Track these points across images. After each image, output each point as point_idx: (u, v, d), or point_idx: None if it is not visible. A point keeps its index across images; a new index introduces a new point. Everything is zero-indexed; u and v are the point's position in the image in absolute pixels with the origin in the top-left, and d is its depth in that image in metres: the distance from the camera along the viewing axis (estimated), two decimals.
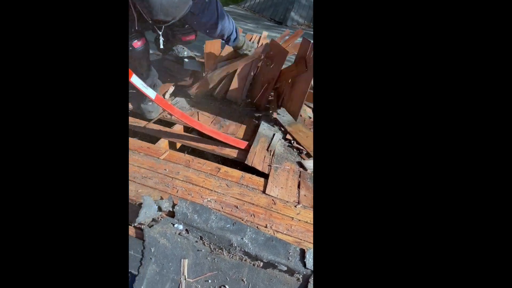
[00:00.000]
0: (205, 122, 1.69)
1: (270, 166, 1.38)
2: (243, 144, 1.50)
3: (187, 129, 1.72)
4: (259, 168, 1.35)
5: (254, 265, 1.00)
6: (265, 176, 1.33)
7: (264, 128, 1.63)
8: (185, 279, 0.99)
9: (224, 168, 1.36)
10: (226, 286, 0.97)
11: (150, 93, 1.42)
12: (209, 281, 0.99)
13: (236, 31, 1.58)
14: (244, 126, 1.69)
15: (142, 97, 1.62)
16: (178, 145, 1.67)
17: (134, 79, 1.37)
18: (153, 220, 1.08)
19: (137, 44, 1.42)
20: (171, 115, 1.69)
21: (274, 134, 1.59)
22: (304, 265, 0.95)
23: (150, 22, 1.16)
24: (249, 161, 1.36)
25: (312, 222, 1.14)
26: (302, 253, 0.98)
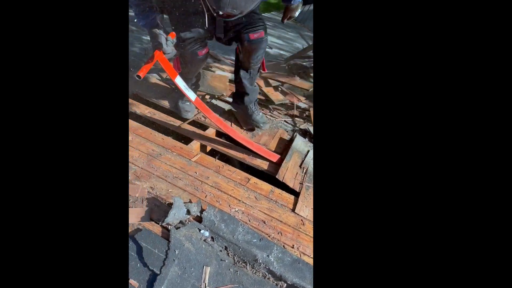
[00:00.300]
0: (238, 129, 1.69)
1: (302, 184, 1.35)
2: (274, 157, 1.48)
3: (219, 134, 1.72)
4: (290, 184, 1.32)
5: (277, 285, 0.97)
6: (296, 194, 1.30)
7: (299, 142, 1.61)
8: (205, 286, 0.97)
9: (254, 179, 1.34)
10: None
11: (191, 95, 1.44)
12: None
13: None
14: (277, 138, 1.67)
15: (181, 95, 1.64)
16: (209, 148, 1.68)
17: (178, 80, 1.39)
18: (181, 222, 1.07)
19: (201, 52, 1.44)
20: (205, 117, 1.71)
21: (308, 151, 1.56)
22: None
23: (215, 16, 1.07)
24: (280, 176, 1.34)
25: None
26: None
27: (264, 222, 1.13)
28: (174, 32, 1.36)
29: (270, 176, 1.43)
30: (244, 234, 1.03)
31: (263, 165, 1.46)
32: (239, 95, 1.67)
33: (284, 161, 1.43)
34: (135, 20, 1.28)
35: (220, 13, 1.01)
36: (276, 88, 2.19)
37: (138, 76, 1.25)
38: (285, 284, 0.96)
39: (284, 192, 1.31)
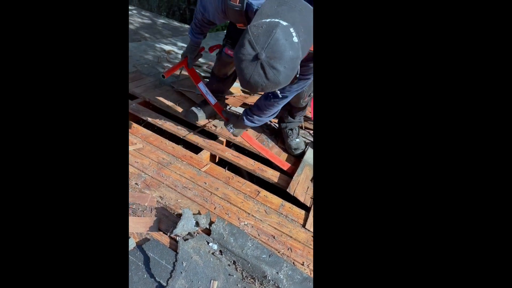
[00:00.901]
0: (248, 139, 1.68)
1: (313, 199, 1.32)
2: (286, 166, 1.47)
3: (229, 144, 1.71)
4: (301, 199, 1.30)
5: None
6: (307, 208, 1.28)
7: (310, 156, 1.59)
8: None
9: (264, 192, 1.32)
10: None
11: (211, 98, 1.49)
12: None
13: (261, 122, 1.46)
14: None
15: (193, 103, 1.68)
16: (218, 158, 1.67)
17: (201, 85, 1.47)
18: (189, 234, 1.06)
19: (227, 51, 1.50)
20: (216, 127, 1.71)
21: None
22: None
23: None
24: (291, 190, 1.32)
25: None
26: None
27: (274, 237, 1.11)
28: (203, 47, 1.60)
29: (280, 190, 1.41)
30: (253, 249, 1.01)
31: (274, 178, 1.44)
32: (281, 119, 1.71)
33: (296, 175, 1.41)
34: (188, 33, 1.58)
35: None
36: None
37: (163, 75, 1.50)
38: None
39: (294, 206, 1.28)
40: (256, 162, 1.53)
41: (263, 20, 0.83)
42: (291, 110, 1.65)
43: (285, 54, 0.81)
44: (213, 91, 1.70)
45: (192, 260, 1.00)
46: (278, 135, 1.75)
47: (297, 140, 1.67)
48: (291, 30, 0.83)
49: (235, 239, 1.03)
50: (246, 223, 1.14)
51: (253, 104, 1.46)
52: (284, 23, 0.82)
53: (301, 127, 1.90)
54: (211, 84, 1.73)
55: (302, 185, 1.38)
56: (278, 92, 1.17)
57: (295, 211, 1.26)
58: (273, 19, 0.83)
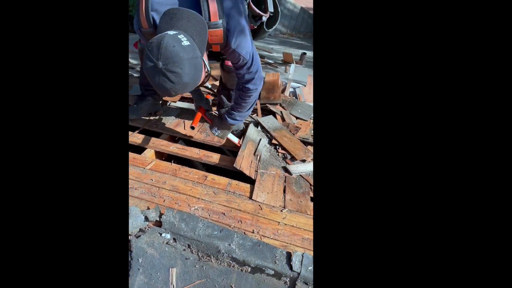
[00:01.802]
0: (191, 130, 1.70)
1: (257, 171, 1.40)
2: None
3: (173, 138, 1.73)
4: (247, 172, 1.37)
5: (242, 270, 1.02)
6: (252, 181, 1.35)
7: (252, 132, 1.66)
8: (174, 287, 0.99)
9: (211, 176, 1.37)
10: None
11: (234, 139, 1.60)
12: None
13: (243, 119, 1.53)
14: None
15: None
16: (165, 155, 1.68)
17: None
18: (140, 230, 1.08)
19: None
20: (157, 125, 1.70)
21: (260, 139, 1.61)
22: (291, 268, 0.97)
23: None
24: (237, 164, 1.38)
25: (298, 226, 1.16)
26: (289, 256, 1.00)
27: (224, 214, 1.17)
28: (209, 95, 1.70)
29: (227, 171, 1.47)
30: (204, 229, 1.06)
31: (219, 161, 1.49)
32: (219, 105, 1.80)
33: (240, 150, 1.48)
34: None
35: None
36: None
37: (192, 127, 1.55)
38: (250, 268, 1.01)
39: (240, 182, 1.35)
40: (202, 150, 1.57)
41: (153, 38, 0.94)
42: (228, 94, 1.70)
43: (177, 57, 0.90)
44: (147, 85, 1.69)
45: (148, 254, 1.03)
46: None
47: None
48: (180, 36, 0.93)
49: (186, 224, 1.08)
50: (196, 207, 1.19)
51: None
52: (171, 33, 0.93)
53: None
54: (143, 77, 1.69)
55: (247, 160, 1.44)
56: (243, 86, 1.30)
57: (241, 186, 1.33)
58: (162, 33, 0.94)
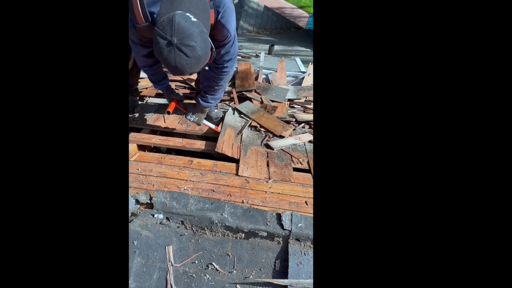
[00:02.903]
0: (172, 123, 1.73)
1: (239, 150, 1.45)
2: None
3: (154, 131, 1.74)
4: (229, 153, 1.41)
5: (236, 238, 1.06)
6: (236, 161, 1.40)
7: (229, 119, 1.71)
8: (172, 265, 1.02)
9: (197, 160, 1.41)
10: (213, 263, 1.02)
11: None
12: (196, 262, 1.03)
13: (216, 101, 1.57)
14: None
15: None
16: (148, 149, 1.69)
17: (189, 116, 1.56)
18: (132, 214, 1.10)
19: None
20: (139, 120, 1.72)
21: (243, 124, 1.68)
22: (282, 227, 1.03)
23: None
24: (218, 148, 1.42)
25: (284, 193, 1.22)
26: (279, 217, 1.06)
27: (213, 190, 1.21)
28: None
29: (211, 156, 1.51)
30: (196, 204, 1.10)
31: (202, 147, 1.53)
32: (197, 94, 1.81)
33: (220, 136, 1.52)
34: (152, 85, 1.58)
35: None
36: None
37: (168, 112, 1.50)
38: (243, 234, 1.06)
39: (226, 162, 1.40)
40: (184, 139, 1.60)
41: (163, 17, 0.97)
42: None
43: (190, 31, 0.95)
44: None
45: (142, 236, 1.06)
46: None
47: (216, 111, 1.79)
48: (187, 14, 0.98)
49: (178, 202, 1.11)
50: (185, 188, 1.22)
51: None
52: (179, 12, 0.97)
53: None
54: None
55: (227, 143, 1.49)
56: (217, 65, 1.34)
57: (227, 165, 1.37)
58: (170, 13, 0.98)
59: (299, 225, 1.03)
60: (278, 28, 5.93)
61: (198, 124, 1.59)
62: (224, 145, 1.46)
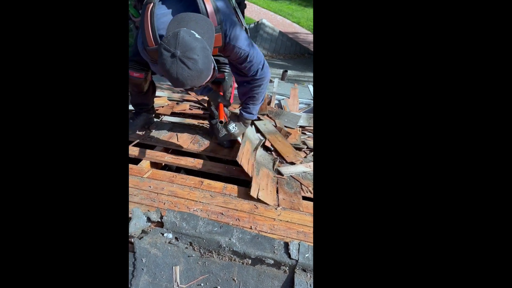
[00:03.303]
0: (184, 142, 1.78)
1: (253, 168, 1.47)
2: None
3: (167, 149, 1.79)
4: (245, 167, 1.43)
5: (243, 263, 1.07)
6: (245, 185, 1.43)
7: (250, 131, 1.76)
8: (177, 285, 1.03)
9: (207, 181, 1.44)
10: (218, 287, 1.03)
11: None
12: (202, 284, 1.04)
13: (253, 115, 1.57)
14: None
15: None
16: (159, 166, 1.73)
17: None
18: (143, 231, 1.12)
19: (133, 74, 1.60)
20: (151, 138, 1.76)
21: (259, 141, 1.72)
22: (289, 256, 1.04)
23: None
24: (238, 158, 1.45)
25: (292, 221, 1.24)
26: (286, 246, 1.07)
27: (222, 214, 1.23)
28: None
29: (222, 177, 1.54)
30: (205, 226, 1.12)
31: (213, 168, 1.57)
32: (210, 116, 1.87)
33: (240, 147, 1.56)
34: (198, 93, 1.65)
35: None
36: None
37: (221, 121, 1.57)
38: (250, 260, 1.06)
39: (236, 185, 1.42)
40: (196, 159, 1.64)
41: (169, 32, 1.04)
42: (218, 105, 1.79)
43: (193, 45, 1.01)
44: (138, 105, 1.79)
45: (151, 254, 1.07)
46: (211, 134, 1.88)
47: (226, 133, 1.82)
48: (192, 31, 1.04)
49: (187, 223, 1.13)
50: (195, 209, 1.24)
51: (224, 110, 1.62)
52: (184, 28, 1.04)
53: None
54: (134, 99, 1.79)
55: (245, 156, 1.52)
56: (254, 73, 1.36)
57: (236, 188, 1.40)
58: (176, 29, 1.04)
59: (306, 255, 1.04)
60: (292, 53, 6.10)
61: (235, 137, 1.60)
62: (243, 158, 1.49)
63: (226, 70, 1.62)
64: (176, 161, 1.61)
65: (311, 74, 4.60)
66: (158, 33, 1.15)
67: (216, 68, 1.17)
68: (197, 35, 1.04)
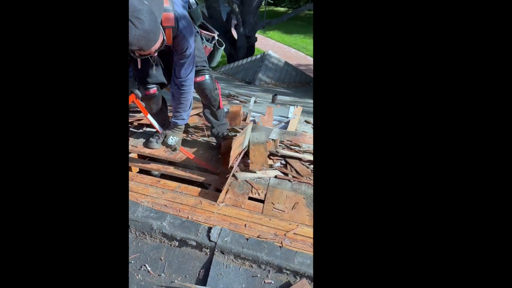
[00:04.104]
0: (157, 150, 1.96)
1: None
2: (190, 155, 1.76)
3: (144, 158, 1.97)
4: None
5: (171, 245, 1.18)
6: (204, 187, 1.56)
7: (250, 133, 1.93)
8: None
9: (164, 181, 1.59)
10: (146, 265, 1.14)
11: (158, 127, 1.70)
12: (132, 262, 1.15)
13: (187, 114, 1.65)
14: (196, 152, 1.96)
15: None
16: (135, 169, 1.90)
17: (149, 117, 1.66)
18: None
19: (148, 92, 1.73)
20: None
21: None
22: (209, 238, 1.14)
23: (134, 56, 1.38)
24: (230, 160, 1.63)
25: (229, 215, 1.34)
26: (209, 230, 1.17)
27: (166, 206, 1.36)
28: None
29: (197, 183, 1.68)
30: (143, 212, 1.25)
31: (175, 171, 1.72)
32: (209, 128, 1.99)
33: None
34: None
35: (132, 53, 1.34)
36: (197, 114, 2.55)
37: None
38: (177, 242, 1.18)
39: (190, 186, 1.56)
40: (162, 163, 1.80)
41: None
42: (211, 111, 1.90)
43: (140, 7, 1.18)
44: (160, 123, 1.83)
45: None
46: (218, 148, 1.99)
47: (220, 127, 1.93)
48: (144, 0, 1.22)
49: (129, 208, 1.27)
50: (142, 201, 1.39)
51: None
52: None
53: (206, 136, 2.22)
54: (156, 119, 1.84)
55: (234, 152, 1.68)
56: (178, 82, 1.52)
57: (190, 188, 1.53)
58: None
59: (225, 239, 1.14)
60: (296, 82, 6.36)
61: (176, 148, 1.66)
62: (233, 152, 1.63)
63: (206, 73, 1.72)
64: (145, 166, 1.78)
65: (308, 100, 4.78)
66: None
67: (165, 39, 1.34)
68: (146, 1, 1.21)
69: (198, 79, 1.70)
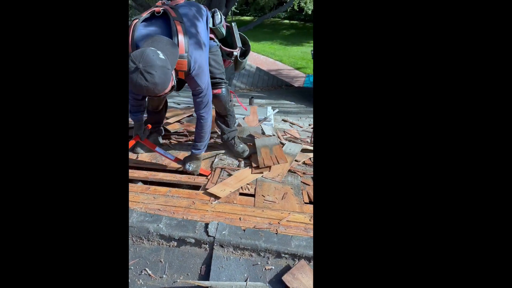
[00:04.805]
0: (144, 158, 1.95)
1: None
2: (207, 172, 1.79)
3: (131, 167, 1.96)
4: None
5: (169, 246, 1.19)
6: (192, 187, 1.58)
7: (259, 144, 1.98)
8: None
9: (154, 187, 1.59)
10: (147, 269, 1.14)
11: (170, 156, 1.80)
12: (132, 268, 1.15)
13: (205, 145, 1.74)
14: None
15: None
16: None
17: (158, 149, 1.79)
18: None
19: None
20: None
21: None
22: (207, 233, 1.17)
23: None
24: (260, 164, 1.74)
25: (223, 211, 1.37)
26: (206, 225, 1.20)
27: (159, 209, 1.37)
28: (150, 125, 1.83)
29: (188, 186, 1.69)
30: (137, 217, 1.26)
31: (165, 177, 1.73)
32: (221, 133, 2.04)
33: (258, 155, 1.83)
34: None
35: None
36: (178, 121, 2.56)
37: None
38: (176, 242, 1.19)
39: (181, 189, 1.57)
40: (150, 172, 1.80)
41: (139, 49, 1.29)
42: (224, 121, 1.97)
43: (154, 63, 1.24)
44: (153, 123, 1.98)
45: None
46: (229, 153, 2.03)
47: (241, 145, 1.98)
48: (158, 51, 1.28)
49: None
50: (135, 207, 1.39)
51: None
52: (152, 48, 1.28)
53: (189, 141, 2.24)
54: (149, 118, 2.01)
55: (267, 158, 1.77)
56: (197, 114, 1.63)
57: (181, 191, 1.55)
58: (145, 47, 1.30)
59: (223, 232, 1.17)
60: (270, 86, 6.52)
61: (195, 172, 1.74)
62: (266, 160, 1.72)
63: (223, 86, 1.82)
64: (130, 174, 1.77)
65: (284, 101, 4.91)
66: (137, 43, 1.41)
67: (175, 85, 1.42)
68: (161, 56, 1.27)
69: (215, 91, 1.79)
